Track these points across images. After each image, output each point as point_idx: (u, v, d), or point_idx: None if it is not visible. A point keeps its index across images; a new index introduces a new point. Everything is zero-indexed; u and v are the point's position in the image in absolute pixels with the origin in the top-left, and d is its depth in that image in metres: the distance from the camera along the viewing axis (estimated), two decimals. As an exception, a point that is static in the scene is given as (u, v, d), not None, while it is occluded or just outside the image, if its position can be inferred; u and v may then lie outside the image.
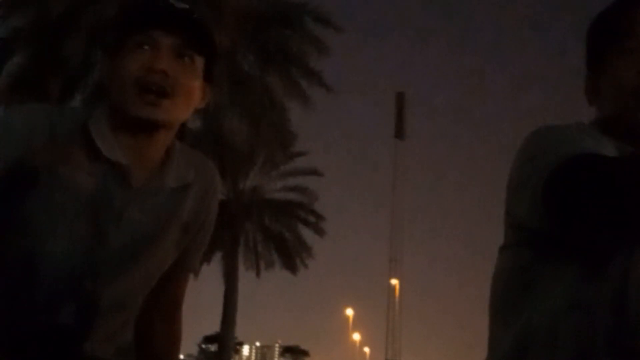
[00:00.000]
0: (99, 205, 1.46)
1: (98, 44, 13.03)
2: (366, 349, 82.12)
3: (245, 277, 21.70)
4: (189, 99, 1.49)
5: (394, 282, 54.90)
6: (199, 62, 1.50)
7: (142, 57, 1.44)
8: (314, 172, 22.68)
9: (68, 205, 1.44)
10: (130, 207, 1.49)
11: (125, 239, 1.49)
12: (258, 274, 21.50)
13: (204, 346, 52.86)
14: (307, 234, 21.79)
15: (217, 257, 20.81)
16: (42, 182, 1.43)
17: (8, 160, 1.42)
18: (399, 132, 54.10)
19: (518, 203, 1.25)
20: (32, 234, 1.44)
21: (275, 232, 21.51)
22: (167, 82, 1.43)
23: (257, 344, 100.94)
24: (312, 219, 21.72)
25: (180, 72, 1.45)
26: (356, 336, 73.08)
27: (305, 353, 68.98)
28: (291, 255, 21.29)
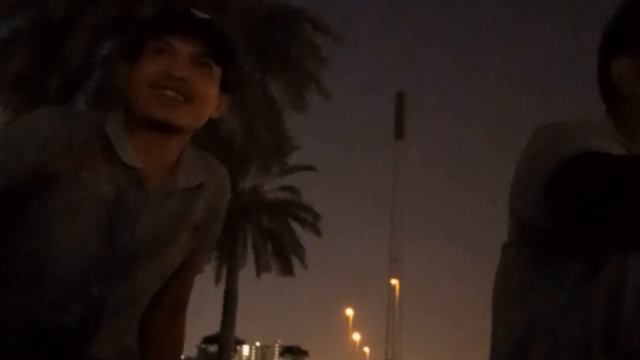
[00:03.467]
0: (114, 211, 1.47)
1: (100, 45, 13.05)
2: (366, 349, 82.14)
3: (245, 277, 21.75)
4: (204, 107, 1.50)
5: (394, 282, 54.89)
6: (216, 71, 1.51)
7: (160, 63, 1.45)
8: (309, 168, 22.80)
9: (84, 209, 1.45)
10: (145, 212, 1.50)
11: (137, 243, 1.50)
12: (258, 273, 21.54)
13: (203, 346, 52.80)
14: (307, 234, 21.85)
15: (217, 257, 20.85)
16: (61, 186, 1.44)
17: (28, 165, 1.43)
18: (399, 132, 54.07)
19: (522, 202, 1.24)
20: (45, 236, 1.45)
21: (274, 233, 21.53)
22: (185, 88, 1.45)
23: (257, 344, 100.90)
24: (310, 218, 21.79)
25: (198, 80, 1.47)
26: (356, 336, 73.10)
27: (305, 353, 68.96)
28: (288, 256, 21.30)
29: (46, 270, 1.45)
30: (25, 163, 1.43)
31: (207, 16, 1.51)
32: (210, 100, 1.51)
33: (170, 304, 1.68)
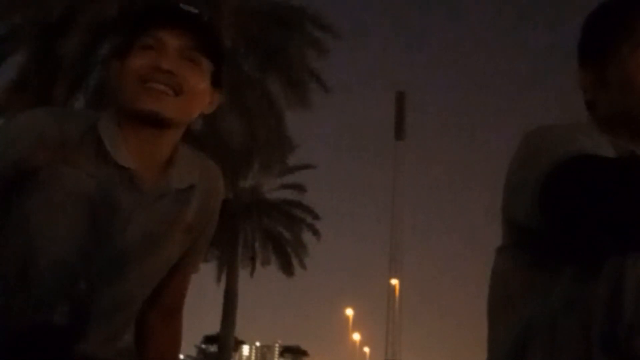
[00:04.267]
0: (103, 208, 1.46)
1: (99, 45, 13.07)
2: (366, 349, 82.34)
3: (245, 277, 21.78)
4: (194, 100, 1.50)
5: (394, 282, 54.95)
6: (206, 65, 1.51)
7: (147, 57, 1.45)
8: (308, 167, 22.91)
9: (68, 206, 1.44)
10: (138, 211, 1.49)
11: (130, 243, 1.50)
12: (252, 273, 21.59)
13: (203, 346, 52.89)
14: (306, 233, 21.91)
15: (217, 256, 20.88)
16: (44, 182, 1.43)
17: (18, 164, 1.43)
18: (399, 132, 54.16)
19: (516, 205, 1.24)
20: (30, 233, 1.44)
21: (274, 232, 21.58)
22: (172, 80, 1.45)
23: (257, 344, 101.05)
24: (309, 218, 21.87)
25: (187, 72, 1.47)
26: (356, 336, 73.23)
27: (305, 353, 69.11)
28: (289, 255, 21.35)
29: (31, 268, 1.44)
30: (15, 162, 1.43)
31: (196, 11, 1.50)
32: (200, 94, 1.51)
33: (166, 303, 1.68)
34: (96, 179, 1.45)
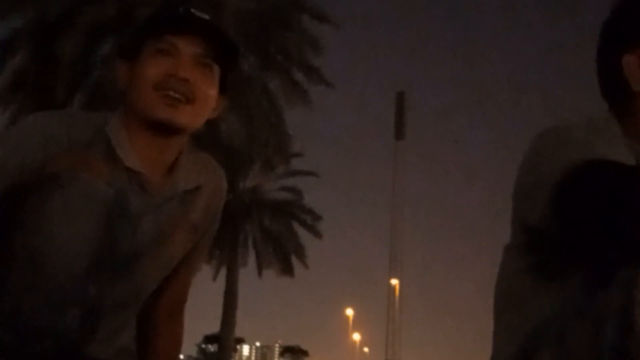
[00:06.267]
0: (116, 212, 1.47)
1: (98, 45, 13.06)
2: (366, 349, 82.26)
3: (245, 277, 21.77)
4: (206, 107, 1.51)
5: (394, 282, 54.89)
6: (216, 70, 1.52)
7: (162, 63, 1.46)
8: (311, 173, 22.88)
9: (83, 210, 1.45)
10: (147, 214, 1.50)
11: (138, 245, 1.50)
12: (260, 274, 21.59)
13: (203, 346, 52.91)
14: (307, 233, 21.88)
15: (217, 256, 20.88)
16: (61, 187, 1.44)
17: (27, 167, 1.43)
18: (399, 132, 54.08)
19: (528, 208, 1.22)
20: (43, 236, 1.45)
21: (274, 233, 21.56)
22: (187, 88, 1.46)
23: (257, 344, 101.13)
24: (309, 219, 21.83)
25: (200, 80, 1.48)
26: (356, 336, 73.08)
27: (305, 353, 69.16)
28: (288, 256, 21.32)
29: (45, 271, 1.45)
30: (24, 164, 1.43)
31: (207, 16, 1.51)
32: (210, 101, 1.52)
33: (168, 303, 1.69)
34: (110, 183, 1.46)
